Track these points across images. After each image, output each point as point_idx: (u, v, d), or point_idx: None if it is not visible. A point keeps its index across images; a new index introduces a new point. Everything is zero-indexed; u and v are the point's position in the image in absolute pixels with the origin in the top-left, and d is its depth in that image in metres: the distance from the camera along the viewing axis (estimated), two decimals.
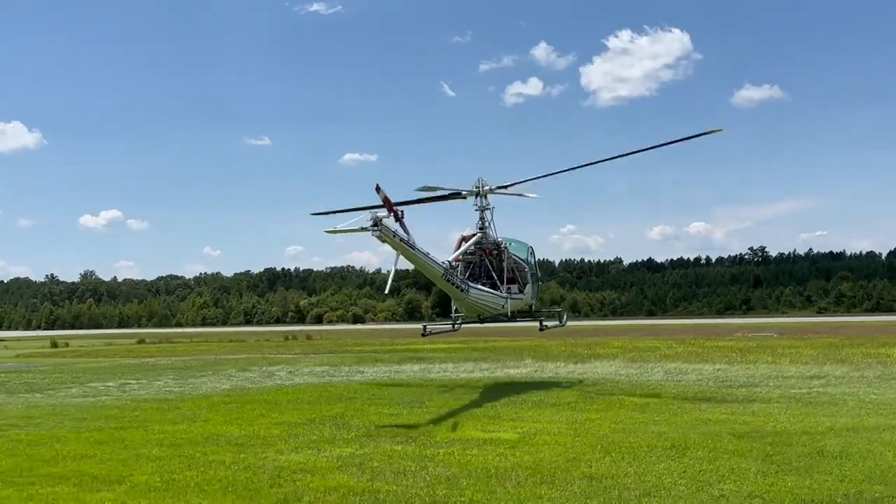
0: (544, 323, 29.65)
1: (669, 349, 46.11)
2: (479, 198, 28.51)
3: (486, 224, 28.35)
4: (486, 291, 26.99)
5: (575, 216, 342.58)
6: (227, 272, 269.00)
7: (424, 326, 30.20)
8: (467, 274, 27.64)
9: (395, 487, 12.25)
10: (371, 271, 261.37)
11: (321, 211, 32.24)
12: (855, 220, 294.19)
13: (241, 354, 53.73)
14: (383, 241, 21.37)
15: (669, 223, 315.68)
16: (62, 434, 18.28)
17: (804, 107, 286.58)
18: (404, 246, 22.14)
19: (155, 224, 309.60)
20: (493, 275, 27.88)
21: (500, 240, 28.63)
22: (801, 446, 14.93)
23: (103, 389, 29.19)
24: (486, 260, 28.16)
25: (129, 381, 32.23)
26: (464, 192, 28.24)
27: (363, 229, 21.67)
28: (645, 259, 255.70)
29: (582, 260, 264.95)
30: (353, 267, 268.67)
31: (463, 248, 27.49)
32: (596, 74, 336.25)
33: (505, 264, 28.35)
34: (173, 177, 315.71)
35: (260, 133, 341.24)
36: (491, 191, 28.40)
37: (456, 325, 29.01)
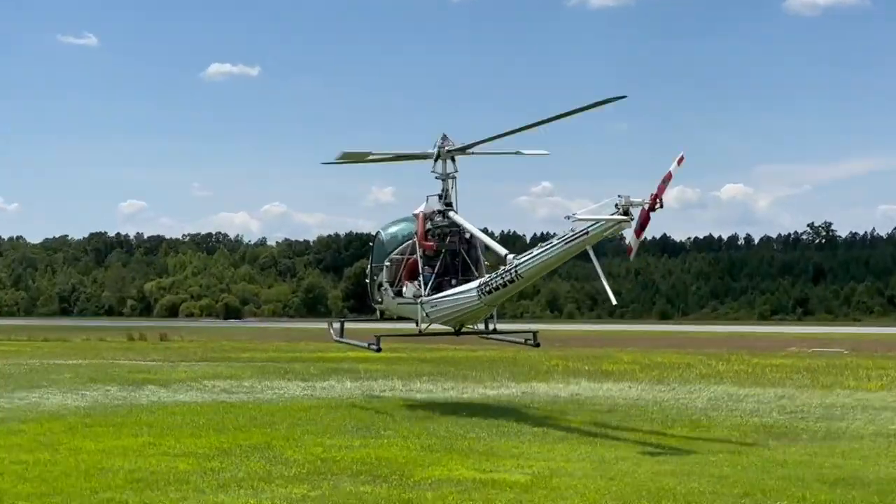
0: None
1: (707, 367, 48.01)
2: (438, 162, 30.01)
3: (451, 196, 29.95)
4: None
5: (553, 169, 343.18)
6: (33, 237, 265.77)
7: (378, 338, 29.88)
8: (436, 267, 28.69)
9: None
10: (252, 242, 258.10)
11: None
12: None
13: (76, 360, 54.14)
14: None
15: (691, 184, 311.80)
16: None
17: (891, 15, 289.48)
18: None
19: None
20: (471, 268, 28.95)
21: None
22: None
23: None
24: (461, 248, 29.41)
25: None
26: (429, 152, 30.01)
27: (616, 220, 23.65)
28: (658, 236, 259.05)
29: None
30: (224, 234, 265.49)
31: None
32: None
33: (479, 254, 29.47)
34: None
35: (80, 28, 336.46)
36: (460, 151, 29.89)
37: (422, 332, 29.81)
